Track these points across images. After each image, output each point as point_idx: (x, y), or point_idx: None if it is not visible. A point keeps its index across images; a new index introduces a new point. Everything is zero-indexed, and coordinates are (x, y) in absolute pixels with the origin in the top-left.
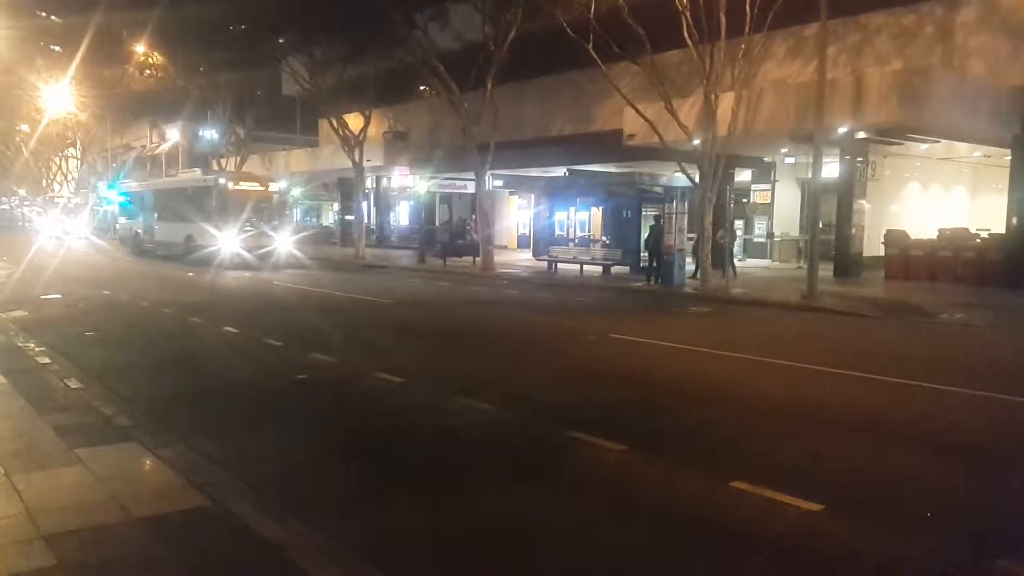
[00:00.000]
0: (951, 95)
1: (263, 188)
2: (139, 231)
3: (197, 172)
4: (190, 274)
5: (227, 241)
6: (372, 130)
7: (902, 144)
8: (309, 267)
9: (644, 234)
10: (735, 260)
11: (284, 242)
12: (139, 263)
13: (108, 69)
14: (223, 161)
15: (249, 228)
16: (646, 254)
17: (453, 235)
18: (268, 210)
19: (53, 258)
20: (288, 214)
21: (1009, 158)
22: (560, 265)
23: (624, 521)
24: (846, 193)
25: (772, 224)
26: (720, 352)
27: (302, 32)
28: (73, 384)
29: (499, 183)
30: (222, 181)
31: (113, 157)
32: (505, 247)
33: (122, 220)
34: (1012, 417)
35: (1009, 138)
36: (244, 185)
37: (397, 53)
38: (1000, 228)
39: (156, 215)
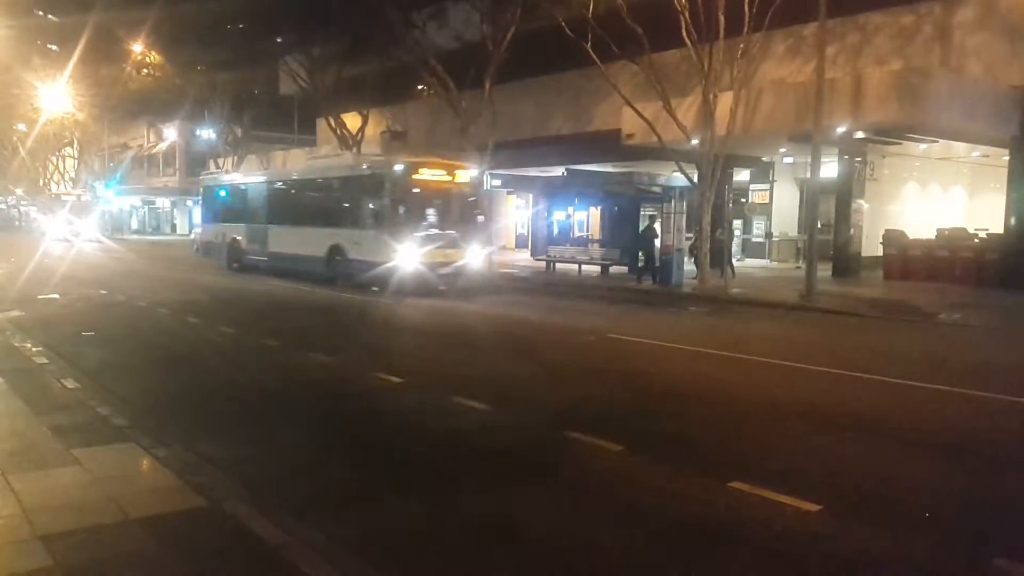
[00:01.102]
0: (949, 95)
1: (452, 177)
2: (238, 238)
3: (348, 156)
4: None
5: (405, 255)
6: (370, 130)
7: (901, 144)
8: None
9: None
10: (733, 260)
11: (477, 255)
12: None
13: (105, 68)
14: (220, 160)
15: (435, 234)
16: (641, 254)
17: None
18: (460, 208)
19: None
20: (482, 213)
21: (1007, 158)
22: (558, 265)
23: (622, 522)
24: (844, 193)
25: (770, 224)
26: (718, 352)
27: (300, 31)
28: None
29: (497, 183)
30: (399, 168)
31: (110, 156)
32: (503, 247)
33: (207, 225)
34: (1011, 417)
35: (1007, 138)
36: (429, 173)
37: (395, 52)
38: (998, 228)
39: (271, 217)
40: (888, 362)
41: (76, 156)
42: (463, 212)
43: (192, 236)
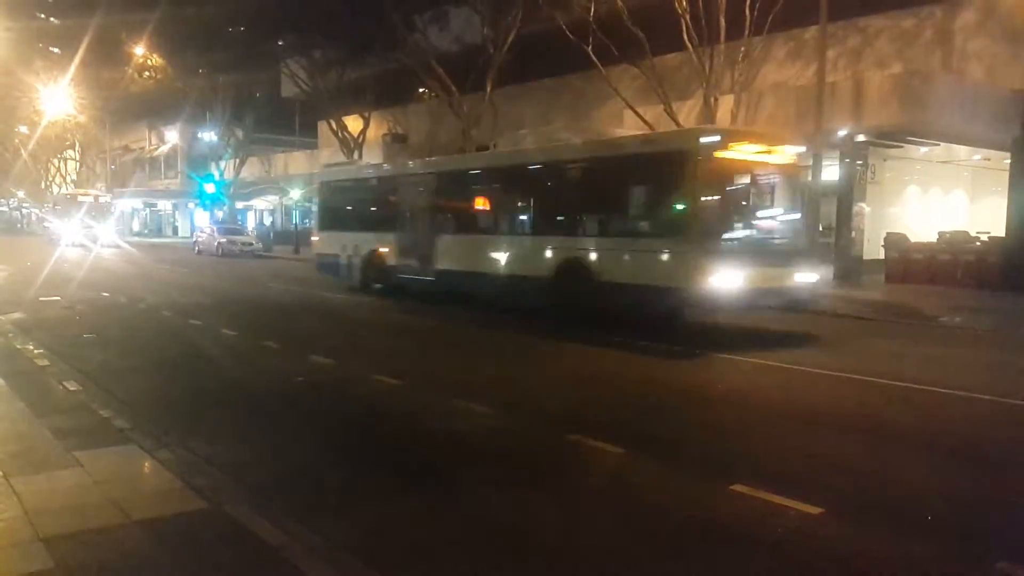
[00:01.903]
0: (951, 98)
1: (781, 161)
2: (382, 251)
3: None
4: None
5: (715, 275)
6: (371, 132)
7: (902, 147)
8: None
9: None
10: None
11: (808, 273)
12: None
13: (107, 71)
14: (220, 163)
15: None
16: None
17: None
18: (786, 203)
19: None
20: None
21: (1008, 161)
22: None
23: (623, 524)
24: (846, 196)
25: None
26: (718, 355)
27: (301, 34)
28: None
29: None
30: (709, 140)
31: (112, 159)
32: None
33: (326, 234)
34: (1013, 420)
35: (1008, 141)
36: (748, 150)
37: (396, 55)
38: (1000, 231)
39: (444, 221)
40: (889, 365)
41: (78, 159)
42: (790, 208)
43: (193, 239)
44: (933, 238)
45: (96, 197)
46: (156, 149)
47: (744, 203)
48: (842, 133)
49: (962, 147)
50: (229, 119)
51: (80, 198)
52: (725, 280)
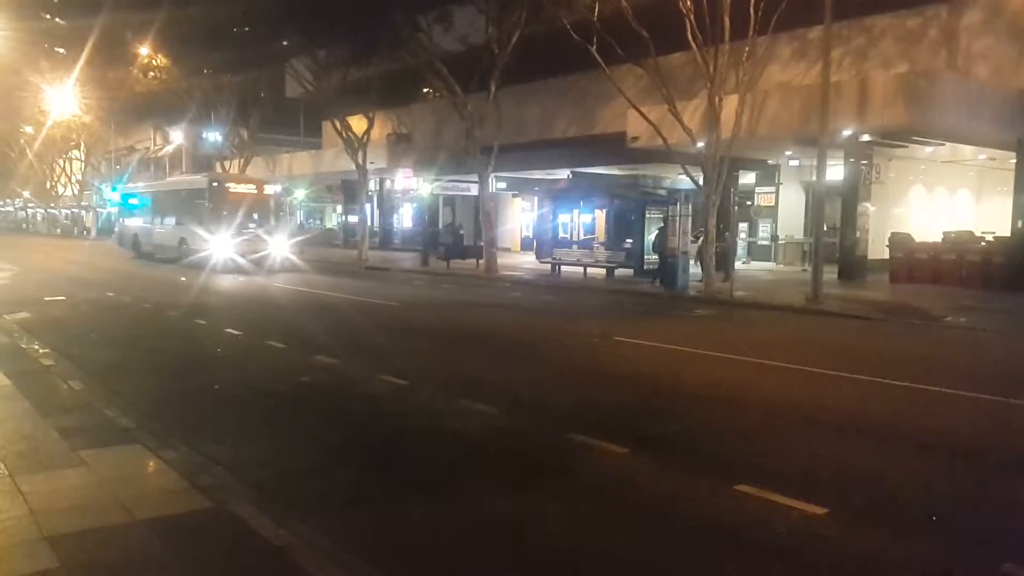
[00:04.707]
0: (956, 98)
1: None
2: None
3: None
4: None
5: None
6: (376, 132)
7: (907, 147)
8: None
9: (649, 236)
10: (735, 263)
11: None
12: None
13: (112, 71)
14: (227, 164)
15: None
16: (656, 256)
17: (456, 237)
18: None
19: None
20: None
21: (1014, 161)
22: (563, 268)
23: (627, 524)
24: (850, 196)
25: (776, 227)
26: (724, 355)
27: (306, 34)
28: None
29: (503, 185)
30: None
31: (117, 159)
32: (508, 250)
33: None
34: (1017, 421)
35: (1014, 141)
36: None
37: (401, 55)
38: (1005, 231)
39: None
40: (895, 365)
41: (83, 159)
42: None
43: None
44: (938, 238)
45: (260, 187)
46: (161, 149)
47: None
48: (847, 133)
49: (967, 147)
50: (234, 119)
51: (230, 187)
52: None
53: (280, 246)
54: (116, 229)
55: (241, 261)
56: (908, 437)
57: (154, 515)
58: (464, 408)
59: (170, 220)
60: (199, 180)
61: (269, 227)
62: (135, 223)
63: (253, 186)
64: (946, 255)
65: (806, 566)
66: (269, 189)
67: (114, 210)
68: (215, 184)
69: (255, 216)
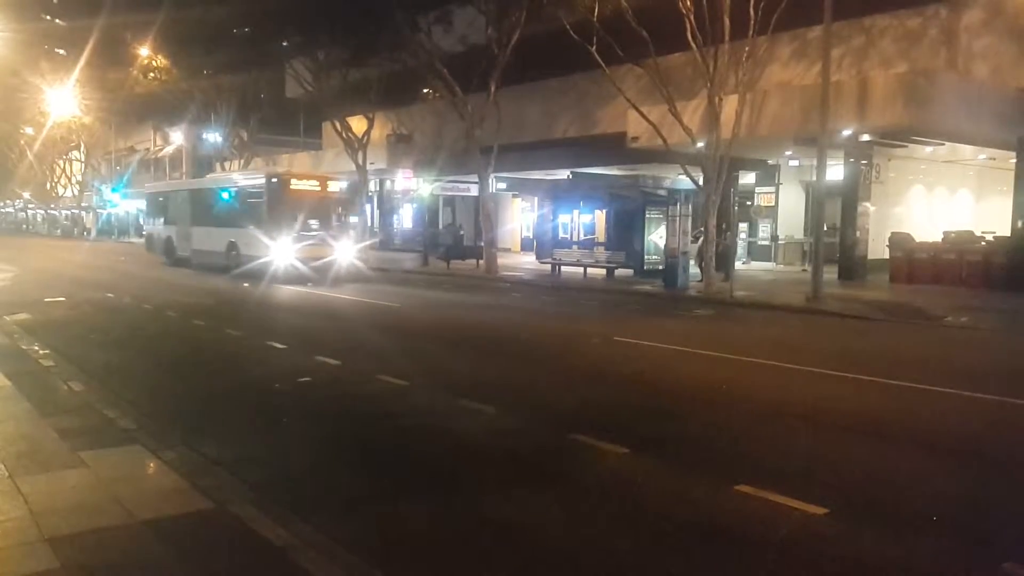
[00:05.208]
0: (956, 98)
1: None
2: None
3: None
4: None
5: None
6: (375, 133)
7: (906, 147)
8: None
9: (650, 236)
10: (736, 262)
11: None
12: None
13: (112, 72)
14: (227, 164)
15: None
16: (656, 256)
17: (456, 238)
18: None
19: None
20: None
21: (1014, 160)
22: (564, 268)
23: (627, 524)
24: (850, 196)
25: (776, 227)
26: (724, 355)
27: (306, 35)
28: (77, 386)
29: (503, 186)
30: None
31: (117, 160)
32: (509, 250)
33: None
34: (1017, 421)
35: (1014, 140)
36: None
37: (401, 56)
38: (1005, 231)
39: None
40: (895, 365)
41: (83, 160)
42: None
43: None
44: (938, 238)
45: (324, 185)
46: (161, 150)
47: None
48: (847, 133)
49: (967, 147)
50: (234, 120)
51: (293, 184)
52: None
53: (346, 251)
54: (144, 232)
55: (304, 269)
56: (908, 437)
57: (154, 516)
58: (464, 408)
59: (215, 222)
60: (256, 177)
61: (334, 230)
62: (168, 226)
63: (317, 183)
64: (946, 255)
65: (806, 566)
66: (334, 186)
67: (114, 211)
68: (276, 182)
69: (319, 217)
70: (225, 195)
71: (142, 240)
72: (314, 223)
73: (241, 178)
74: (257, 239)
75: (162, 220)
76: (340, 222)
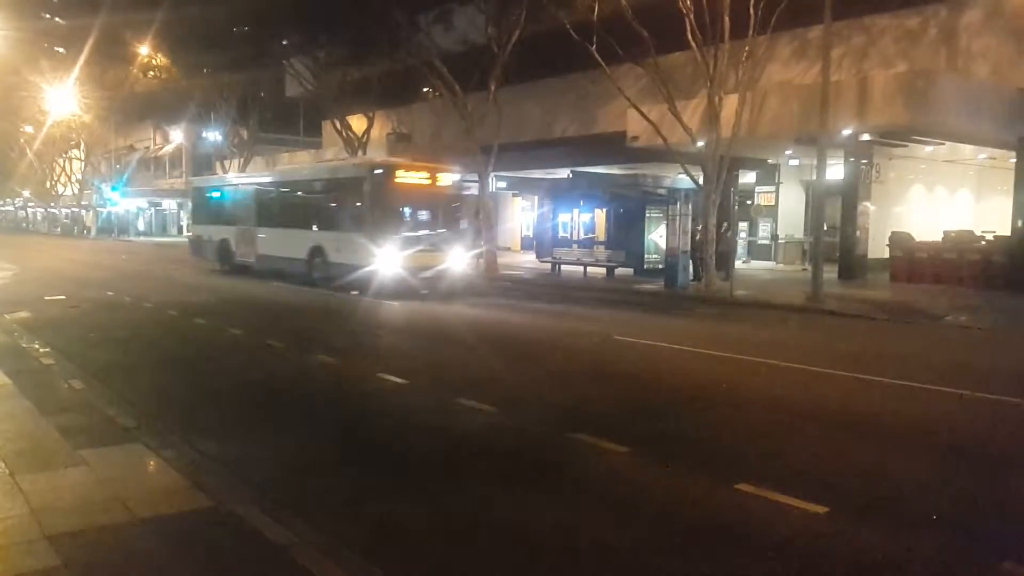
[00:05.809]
0: (956, 97)
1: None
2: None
3: None
4: None
5: None
6: (375, 132)
7: (907, 146)
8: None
9: (650, 235)
10: (735, 262)
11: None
12: None
13: (112, 71)
14: (227, 163)
15: None
16: (656, 255)
17: None
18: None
19: None
20: None
21: (1014, 160)
22: (564, 267)
23: (627, 523)
24: (850, 195)
25: (776, 226)
26: (724, 354)
27: (305, 34)
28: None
29: (502, 185)
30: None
31: (117, 158)
32: (509, 249)
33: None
34: (1016, 420)
35: (1014, 140)
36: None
37: (400, 55)
38: (1005, 230)
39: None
40: (895, 364)
41: (83, 158)
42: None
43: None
44: (938, 237)
45: (434, 177)
46: (161, 148)
47: None
48: (847, 132)
49: (967, 146)
50: (234, 118)
51: (401, 176)
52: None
53: (459, 259)
54: (189, 234)
55: (412, 280)
56: (908, 435)
57: (155, 514)
58: (464, 407)
59: (292, 223)
60: (350, 167)
61: (448, 232)
62: (224, 226)
63: (427, 175)
64: (946, 254)
65: (807, 565)
66: (446, 179)
67: (115, 209)
68: (380, 173)
69: (430, 217)
70: (307, 189)
71: (141, 239)
72: (424, 224)
73: (329, 168)
74: (353, 243)
75: (216, 219)
76: (453, 223)
